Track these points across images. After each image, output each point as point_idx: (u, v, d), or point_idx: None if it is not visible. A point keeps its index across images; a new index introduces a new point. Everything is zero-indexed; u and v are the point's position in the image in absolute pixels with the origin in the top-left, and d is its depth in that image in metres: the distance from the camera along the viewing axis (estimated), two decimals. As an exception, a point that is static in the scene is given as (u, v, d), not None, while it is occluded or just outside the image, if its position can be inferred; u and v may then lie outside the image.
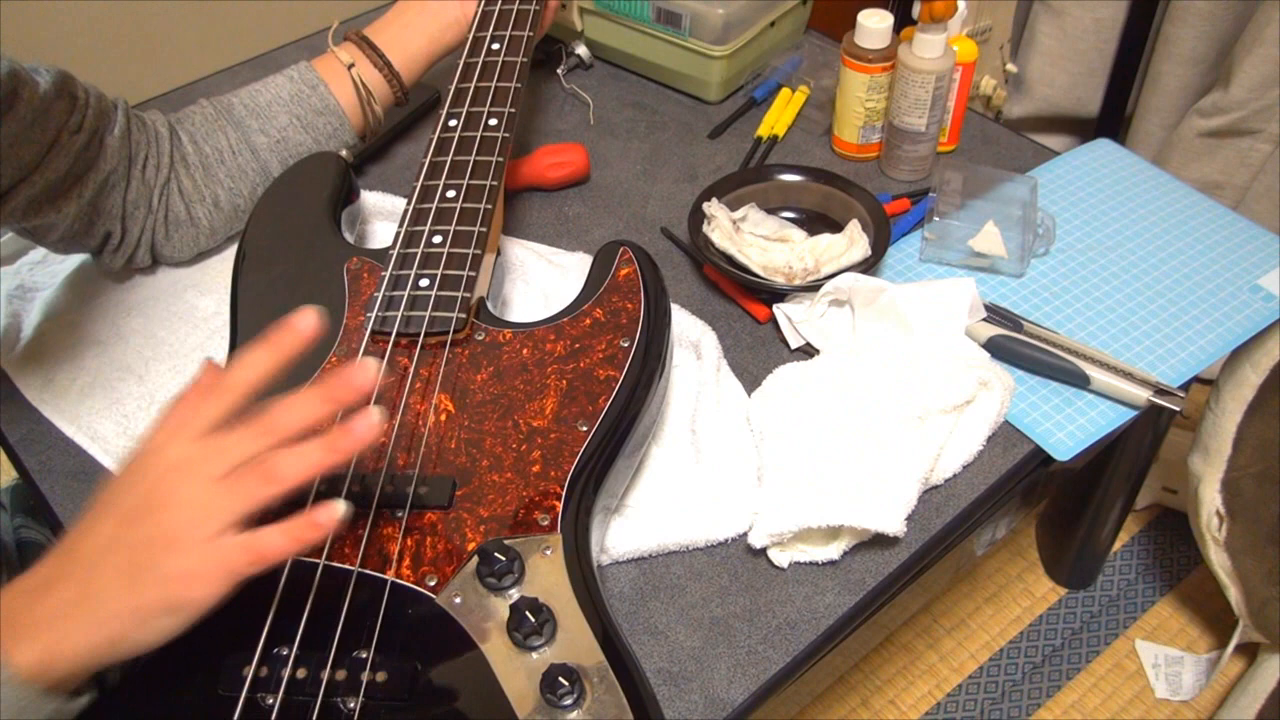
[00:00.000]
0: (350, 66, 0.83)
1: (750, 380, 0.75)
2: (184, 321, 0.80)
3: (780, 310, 0.78)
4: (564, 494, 0.57)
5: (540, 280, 0.82)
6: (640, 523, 0.65)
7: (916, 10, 0.84)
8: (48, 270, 0.85)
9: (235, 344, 0.67)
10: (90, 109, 0.72)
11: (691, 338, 0.77)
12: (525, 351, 0.65)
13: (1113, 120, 1.41)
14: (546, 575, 0.54)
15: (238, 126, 0.81)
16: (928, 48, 0.84)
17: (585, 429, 0.60)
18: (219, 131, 0.80)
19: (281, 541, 0.47)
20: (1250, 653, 1.19)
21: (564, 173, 0.91)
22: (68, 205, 0.72)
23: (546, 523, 0.56)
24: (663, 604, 0.63)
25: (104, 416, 0.73)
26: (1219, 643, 1.26)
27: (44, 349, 0.78)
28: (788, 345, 0.78)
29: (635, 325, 0.65)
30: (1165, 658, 1.25)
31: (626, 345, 0.64)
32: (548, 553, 0.55)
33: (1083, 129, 1.44)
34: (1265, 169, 1.21)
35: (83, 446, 0.72)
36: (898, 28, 0.88)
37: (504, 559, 0.53)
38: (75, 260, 0.84)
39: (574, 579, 0.54)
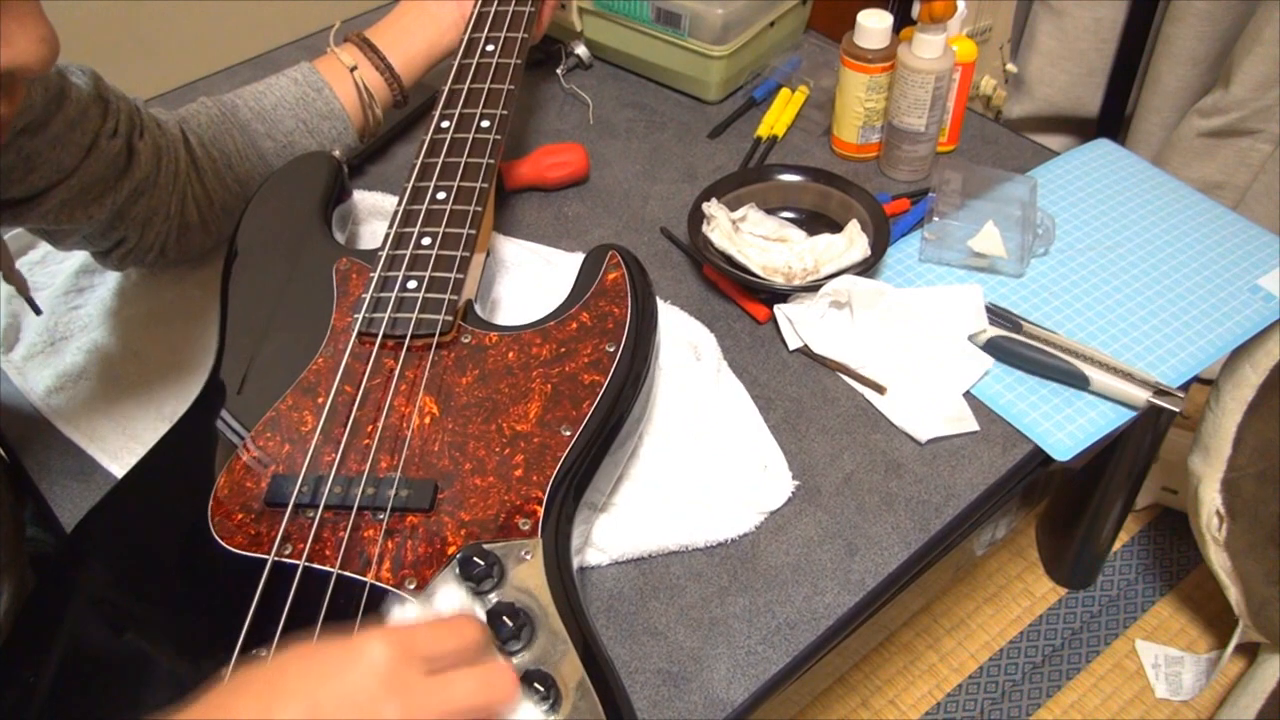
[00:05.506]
0: (353, 69, 0.83)
1: (750, 380, 0.75)
2: (181, 316, 0.80)
3: (780, 311, 0.78)
4: (545, 499, 0.57)
5: (538, 280, 0.82)
6: (640, 523, 0.65)
7: (916, 10, 0.84)
8: (47, 270, 0.85)
9: (224, 343, 0.67)
10: (122, 113, 0.70)
11: (691, 338, 0.77)
12: (511, 355, 0.65)
13: (1113, 120, 1.40)
14: (526, 580, 0.54)
15: (244, 130, 0.80)
16: (927, 48, 0.84)
17: (569, 434, 0.60)
18: (225, 135, 0.79)
19: None
20: (1250, 653, 1.19)
21: (563, 173, 0.91)
22: (100, 212, 0.69)
23: (527, 527, 0.56)
24: (662, 604, 0.63)
25: (103, 415, 0.73)
26: (1219, 643, 1.26)
27: (44, 348, 0.78)
28: (787, 346, 0.78)
29: (621, 330, 0.65)
30: (1165, 658, 1.25)
31: (612, 350, 0.64)
32: (527, 557, 0.55)
33: (1083, 129, 1.44)
34: (1265, 169, 1.21)
35: (82, 447, 0.72)
36: (897, 28, 0.88)
37: (483, 563, 0.53)
38: (76, 260, 0.84)
39: (553, 584, 0.54)
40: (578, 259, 0.83)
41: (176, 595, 0.57)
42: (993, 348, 0.76)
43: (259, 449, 0.61)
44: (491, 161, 0.74)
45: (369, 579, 0.55)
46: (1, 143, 0.51)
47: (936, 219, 0.83)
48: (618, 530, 0.65)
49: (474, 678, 0.43)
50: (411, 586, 0.54)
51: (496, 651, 0.51)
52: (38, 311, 0.73)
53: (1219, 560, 1.05)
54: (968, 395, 0.74)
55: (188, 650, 0.54)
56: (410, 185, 0.73)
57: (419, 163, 0.74)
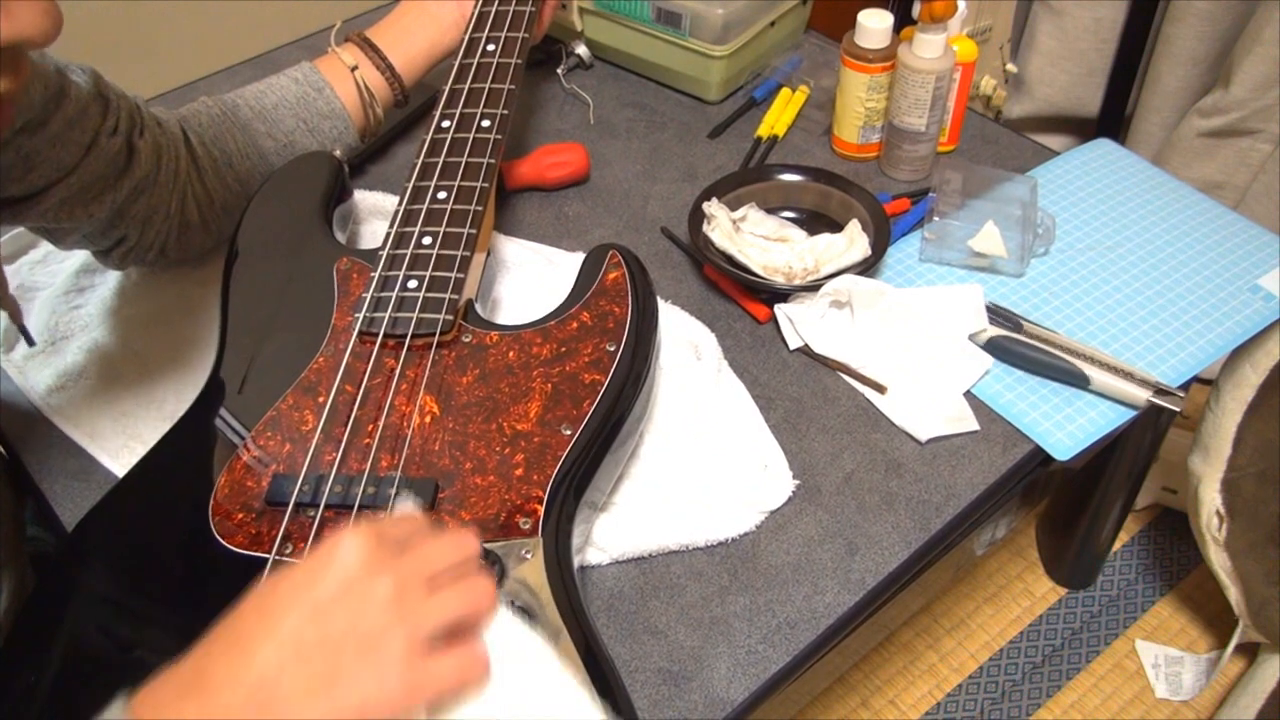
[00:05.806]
0: (354, 69, 0.83)
1: (750, 380, 0.75)
2: (181, 315, 0.80)
3: (781, 311, 0.78)
4: (546, 498, 0.58)
5: (539, 280, 0.82)
6: (640, 522, 0.66)
7: (916, 10, 0.84)
8: (48, 270, 0.85)
9: (224, 343, 0.67)
10: (122, 111, 0.70)
11: (691, 338, 0.77)
12: (511, 354, 0.65)
13: (1113, 120, 1.40)
14: (526, 578, 0.54)
15: (244, 130, 0.80)
16: (928, 48, 0.84)
17: (569, 433, 0.60)
18: (226, 134, 0.79)
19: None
20: (1250, 653, 1.19)
21: (564, 172, 0.91)
22: (100, 210, 0.69)
23: (528, 526, 0.56)
24: (663, 604, 0.63)
25: (103, 414, 0.73)
26: (1219, 643, 1.26)
27: (44, 348, 0.78)
28: (787, 345, 0.78)
29: (622, 330, 0.65)
30: (1165, 658, 1.25)
31: (613, 349, 0.64)
32: (528, 556, 0.55)
33: (1083, 129, 1.44)
34: (1265, 169, 1.21)
35: (83, 446, 0.72)
36: (898, 28, 0.88)
37: (484, 562, 0.53)
38: (77, 259, 0.84)
39: (554, 582, 0.54)
40: (578, 259, 0.84)
41: (177, 595, 0.57)
42: (993, 347, 0.76)
43: (260, 448, 0.61)
44: (492, 161, 0.74)
45: None
46: (7, 121, 0.51)
47: (937, 219, 0.83)
48: (618, 529, 0.65)
49: (444, 542, 0.47)
50: None
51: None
52: (31, 343, 0.73)
53: (1219, 560, 1.05)
54: (968, 395, 0.74)
55: (188, 650, 0.53)
56: (411, 185, 0.73)
57: (419, 162, 0.74)
